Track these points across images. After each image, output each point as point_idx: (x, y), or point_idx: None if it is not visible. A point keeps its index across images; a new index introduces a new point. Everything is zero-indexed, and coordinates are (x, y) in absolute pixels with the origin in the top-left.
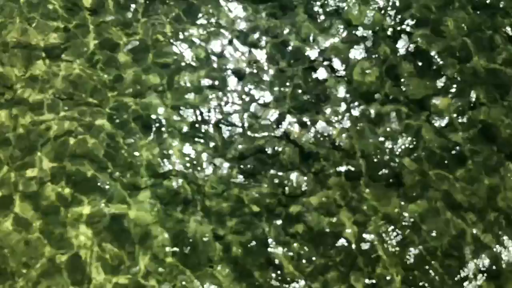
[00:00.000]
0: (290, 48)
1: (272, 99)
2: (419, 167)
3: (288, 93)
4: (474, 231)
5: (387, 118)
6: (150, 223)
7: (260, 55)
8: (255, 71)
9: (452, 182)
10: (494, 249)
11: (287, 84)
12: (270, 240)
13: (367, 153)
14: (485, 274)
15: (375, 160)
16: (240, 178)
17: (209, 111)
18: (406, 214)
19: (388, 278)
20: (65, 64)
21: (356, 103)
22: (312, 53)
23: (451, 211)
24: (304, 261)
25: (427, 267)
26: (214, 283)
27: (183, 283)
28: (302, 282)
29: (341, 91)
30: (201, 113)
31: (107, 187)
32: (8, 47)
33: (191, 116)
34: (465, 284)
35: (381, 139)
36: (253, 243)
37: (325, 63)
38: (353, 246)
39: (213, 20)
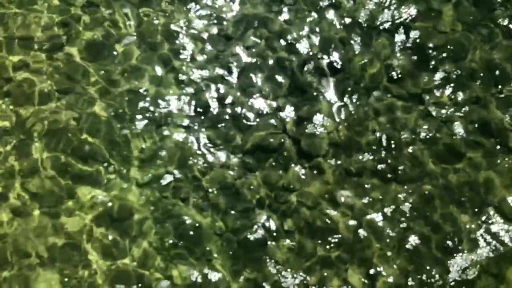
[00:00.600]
0: (287, 40)
1: (271, 92)
2: (417, 161)
3: (286, 86)
4: (472, 224)
5: (385, 112)
6: (148, 214)
7: (259, 47)
8: (253, 63)
9: (450, 176)
10: (491, 242)
11: (285, 76)
12: (268, 234)
13: (364, 148)
14: (482, 266)
15: (373, 154)
16: (239, 171)
17: (208, 104)
18: (403, 209)
19: (385, 271)
20: (64, 56)
21: (354, 97)
22: (310, 46)
23: (448, 205)
24: (302, 255)
25: (424, 260)
26: (214, 275)
27: (182, 273)
28: (300, 276)
29: (339, 84)
30: (200, 106)
31: (105, 178)
32: (7, 39)
33: (190, 108)
34: (462, 275)
35: (379, 134)
36: (252, 236)
37: (323, 56)
38: (351, 240)
39: (211, 11)
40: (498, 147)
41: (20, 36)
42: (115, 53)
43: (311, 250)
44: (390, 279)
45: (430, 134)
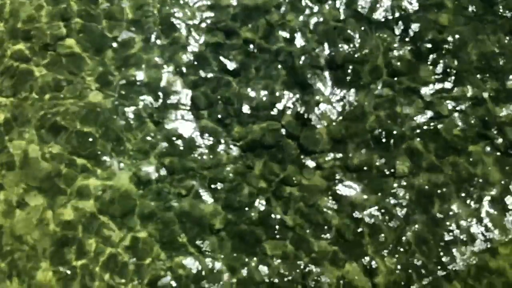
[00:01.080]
0: (287, 33)
1: (270, 85)
2: (416, 156)
3: (285, 79)
4: (471, 218)
5: (384, 106)
6: (148, 205)
7: (258, 39)
8: (253, 55)
9: (449, 170)
10: (489, 235)
11: (284, 70)
12: (268, 228)
13: (363, 142)
14: (481, 259)
15: (372, 149)
16: (239, 164)
17: (207, 96)
18: (402, 203)
19: (384, 265)
20: (64, 48)
21: (354, 91)
22: (309, 38)
23: (447, 199)
24: (302, 249)
25: (423, 253)
26: (215, 267)
27: (183, 264)
28: (300, 270)
29: (338, 78)
30: (199, 98)
31: (104, 168)
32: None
33: (189, 101)
34: (461, 268)
35: (378, 128)
36: (253, 230)
37: (322, 49)
38: (350, 235)
39: (211, 2)
40: (500, 140)
41: (21, 27)
42: (114, 44)
43: (310, 244)
44: (389, 273)
45: (430, 129)
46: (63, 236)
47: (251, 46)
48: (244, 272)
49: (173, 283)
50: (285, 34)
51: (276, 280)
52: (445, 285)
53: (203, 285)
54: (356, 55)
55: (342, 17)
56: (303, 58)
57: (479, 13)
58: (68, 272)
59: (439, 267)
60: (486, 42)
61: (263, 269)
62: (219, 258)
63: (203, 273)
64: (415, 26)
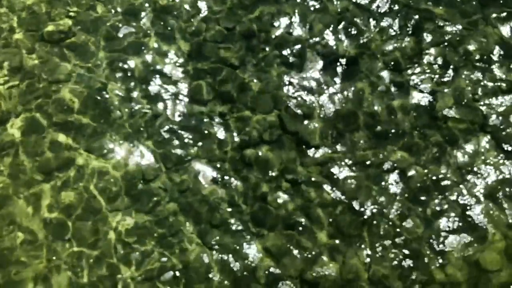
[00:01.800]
0: (283, 25)
1: (269, 77)
2: (414, 151)
3: (283, 70)
4: (468, 212)
5: (382, 101)
6: (154, 191)
7: (257, 31)
8: (253, 47)
9: (446, 165)
10: (485, 228)
11: (282, 62)
12: (266, 224)
13: (362, 138)
14: (474, 249)
15: (370, 145)
16: (239, 158)
17: (206, 86)
18: (400, 197)
19: (381, 258)
20: (71, 40)
21: (352, 84)
22: (306, 30)
23: (442, 193)
24: (303, 241)
25: (420, 248)
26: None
27: (184, 253)
28: (301, 264)
29: (335, 70)
30: (199, 91)
31: (108, 152)
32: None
33: (187, 94)
34: (457, 260)
35: (376, 123)
36: (250, 224)
37: (320, 41)
38: (348, 229)
39: None
40: (501, 133)
41: (24, 16)
42: (113, 34)
43: (310, 237)
44: (388, 266)
45: (430, 122)
46: (62, 223)
47: (251, 37)
48: (246, 264)
49: (178, 275)
50: (284, 26)
51: (277, 272)
52: (442, 276)
53: (207, 277)
54: (356, 47)
55: (342, 8)
56: (303, 49)
57: (480, 5)
58: (67, 260)
59: (437, 258)
60: (487, 34)
61: (265, 261)
62: (223, 250)
63: (208, 265)
64: (415, 19)
